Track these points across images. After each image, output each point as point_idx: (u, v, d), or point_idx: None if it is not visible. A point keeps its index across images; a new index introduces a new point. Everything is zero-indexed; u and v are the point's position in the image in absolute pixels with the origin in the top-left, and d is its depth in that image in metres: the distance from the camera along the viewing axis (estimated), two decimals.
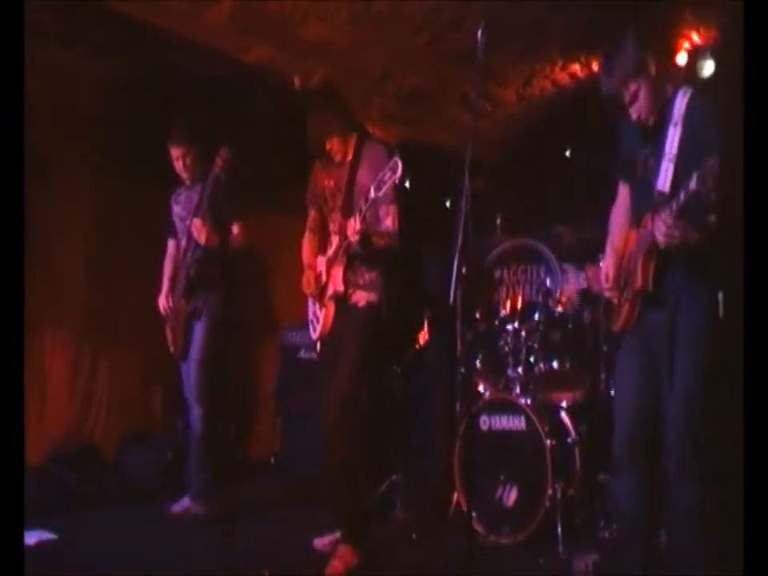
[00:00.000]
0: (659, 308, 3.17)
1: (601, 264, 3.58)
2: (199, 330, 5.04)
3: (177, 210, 5.27)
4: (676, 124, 3.14)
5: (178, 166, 5.17)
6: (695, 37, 6.24)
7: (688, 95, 3.17)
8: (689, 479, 3.07)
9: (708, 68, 6.12)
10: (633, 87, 3.14)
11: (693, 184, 2.78)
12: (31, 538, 4.53)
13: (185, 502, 5.03)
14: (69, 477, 5.71)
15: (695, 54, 6.16)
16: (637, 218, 3.32)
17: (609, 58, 3.19)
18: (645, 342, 3.26)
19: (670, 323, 3.15)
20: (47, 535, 4.64)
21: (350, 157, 4.27)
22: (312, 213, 4.50)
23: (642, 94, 3.16)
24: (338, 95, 4.47)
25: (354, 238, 3.94)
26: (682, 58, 6.22)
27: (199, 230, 4.93)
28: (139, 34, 5.61)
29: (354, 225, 3.92)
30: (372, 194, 3.87)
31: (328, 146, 4.24)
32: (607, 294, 3.43)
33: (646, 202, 3.22)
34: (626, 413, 3.28)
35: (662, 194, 3.10)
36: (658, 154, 3.18)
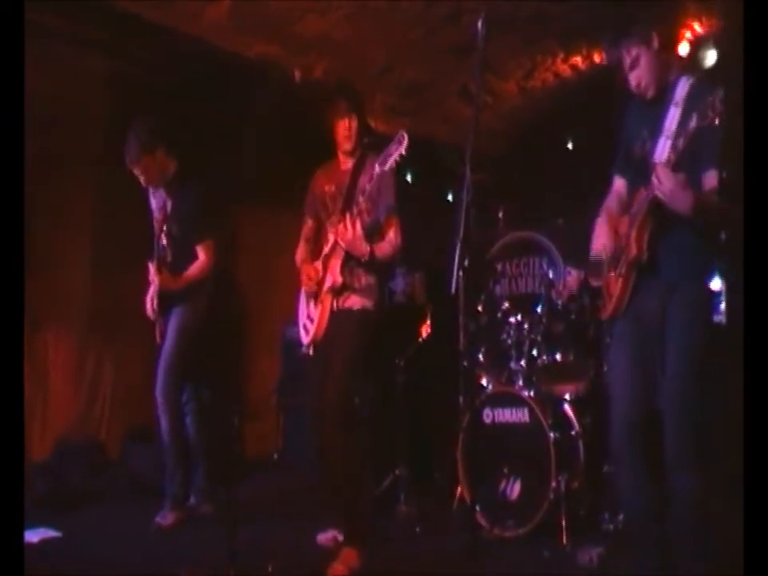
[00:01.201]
0: (652, 286, 3.17)
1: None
2: (168, 339, 4.97)
3: (152, 205, 5.14)
4: (677, 104, 3.17)
5: (143, 180, 4.99)
6: (697, 27, 6.22)
7: (691, 81, 3.20)
8: (686, 467, 3.06)
9: (710, 58, 6.10)
10: (634, 52, 3.18)
11: (693, 122, 2.81)
12: (35, 535, 4.54)
13: (167, 514, 4.94)
14: (74, 473, 5.73)
15: (697, 44, 6.14)
16: (629, 204, 3.34)
17: (612, 29, 3.26)
18: (636, 328, 3.26)
19: (662, 301, 3.16)
20: (51, 533, 4.64)
21: (355, 158, 4.25)
22: (309, 222, 4.42)
23: (643, 62, 3.19)
24: (349, 83, 4.56)
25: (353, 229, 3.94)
26: (684, 49, 6.20)
27: (153, 276, 4.93)
28: (140, 32, 5.62)
29: (348, 225, 3.93)
30: (377, 168, 3.87)
31: (340, 129, 4.21)
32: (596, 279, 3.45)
33: (640, 180, 3.24)
34: (623, 404, 3.28)
35: (654, 163, 3.11)
36: (657, 133, 3.21)
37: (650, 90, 3.25)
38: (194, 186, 4.98)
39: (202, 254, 4.95)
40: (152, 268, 4.96)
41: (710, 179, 3.08)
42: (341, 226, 3.97)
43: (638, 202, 3.19)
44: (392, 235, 4.15)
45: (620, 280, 3.26)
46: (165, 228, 4.94)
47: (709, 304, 3.31)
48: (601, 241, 3.40)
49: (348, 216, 3.98)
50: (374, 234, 4.12)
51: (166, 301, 4.99)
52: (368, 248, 4.02)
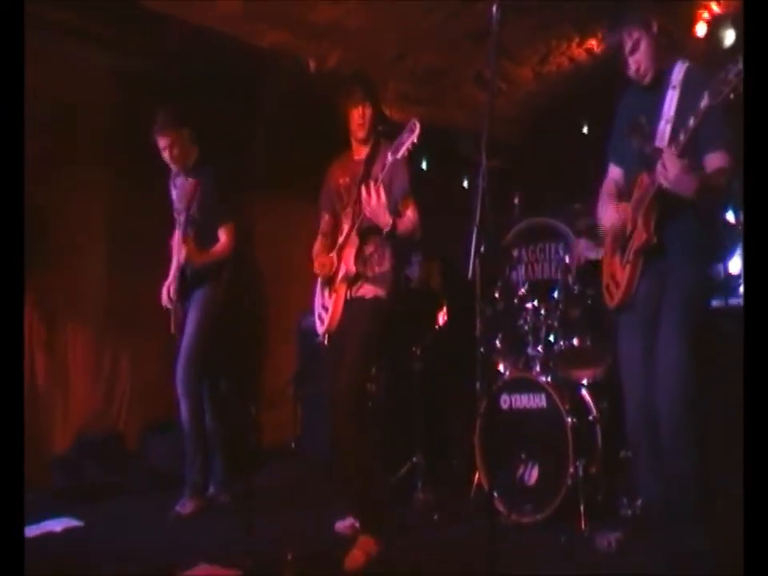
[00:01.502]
0: (657, 270, 3.17)
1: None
2: (189, 323, 5.00)
3: (174, 196, 5.19)
4: (674, 87, 3.19)
5: (166, 156, 5.04)
6: (715, 7, 6.17)
7: (686, 64, 3.22)
8: (683, 449, 3.06)
9: (729, 37, 6.04)
10: (635, 35, 3.19)
11: (704, 101, 2.79)
12: (58, 525, 4.61)
13: (187, 503, 4.95)
14: (93, 465, 5.76)
15: (716, 23, 6.09)
16: (628, 191, 3.33)
17: (614, 15, 3.29)
18: (642, 315, 3.25)
19: (663, 283, 3.15)
20: (74, 522, 4.69)
21: (369, 147, 4.24)
22: (325, 217, 4.43)
23: (643, 46, 3.21)
24: (363, 71, 4.57)
25: (372, 207, 3.91)
26: (701, 29, 6.15)
27: (179, 248, 4.94)
28: (150, 25, 5.63)
29: (372, 192, 3.89)
30: (389, 157, 3.86)
31: (355, 117, 4.20)
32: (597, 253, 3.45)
33: (640, 165, 3.24)
34: (636, 394, 3.27)
35: (657, 149, 3.09)
36: (656, 118, 3.21)
37: (649, 75, 3.26)
38: (214, 171, 5.02)
39: (223, 236, 4.99)
40: (176, 240, 4.98)
41: (715, 160, 3.06)
42: (365, 195, 3.93)
43: (641, 188, 3.18)
44: (410, 213, 4.12)
45: (628, 267, 3.25)
46: (188, 213, 4.95)
47: (707, 286, 3.31)
48: (607, 214, 3.41)
49: (372, 185, 3.94)
50: (392, 212, 4.08)
51: (186, 285, 5.02)
52: (390, 219, 3.97)
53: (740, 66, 2.64)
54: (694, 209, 3.06)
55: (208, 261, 4.98)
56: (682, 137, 2.93)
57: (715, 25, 6.06)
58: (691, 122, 2.88)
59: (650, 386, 3.18)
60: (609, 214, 3.40)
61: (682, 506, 3.13)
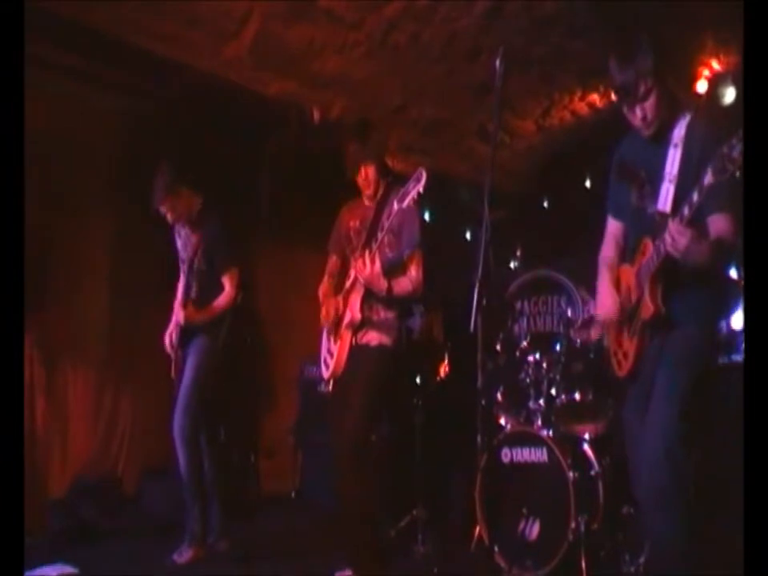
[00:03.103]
0: (663, 333, 3.13)
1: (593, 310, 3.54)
2: (187, 372, 4.98)
3: (179, 245, 5.20)
4: (676, 145, 3.13)
5: (169, 218, 5.07)
6: (715, 64, 6.23)
7: (687, 119, 3.17)
8: (664, 508, 3.02)
9: (729, 95, 6.09)
10: (649, 83, 3.07)
11: (708, 178, 2.71)
12: (53, 570, 4.54)
13: (185, 551, 4.90)
14: (90, 509, 5.72)
15: (716, 81, 6.14)
16: (631, 250, 3.30)
17: (627, 50, 3.12)
18: (644, 379, 3.21)
19: (661, 345, 3.13)
20: (68, 569, 4.62)
21: (378, 196, 4.27)
22: (333, 258, 4.47)
23: (654, 96, 3.10)
24: (372, 128, 4.53)
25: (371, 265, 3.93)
26: (702, 86, 6.21)
27: (177, 311, 4.95)
28: (156, 70, 5.69)
29: (367, 260, 3.93)
30: (395, 206, 3.86)
31: (361, 175, 4.25)
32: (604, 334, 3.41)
33: (642, 227, 3.20)
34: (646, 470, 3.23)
35: (662, 214, 3.07)
36: (657, 177, 3.16)
37: (653, 127, 3.18)
38: (218, 217, 5.03)
39: (227, 284, 5.00)
40: (177, 304, 5.00)
41: (718, 222, 3.00)
42: (359, 261, 3.98)
43: (645, 253, 3.13)
44: (413, 271, 4.15)
45: (635, 338, 3.20)
46: (192, 264, 4.97)
47: (708, 344, 3.23)
48: (606, 305, 3.36)
49: (367, 252, 3.99)
50: (395, 269, 4.12)
51: (187, 334, 5.01)
52: (386, 284, 4.02)
53: (740, 145, 2.59)
54: (701, 273, 3.04)
55: (209, 317, 4.96)
56: (686, 211, 2.86)
57: (716, 82, 6.11)
58: (695, 197, 2.81)
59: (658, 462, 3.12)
60: (607, 305, 3.36)
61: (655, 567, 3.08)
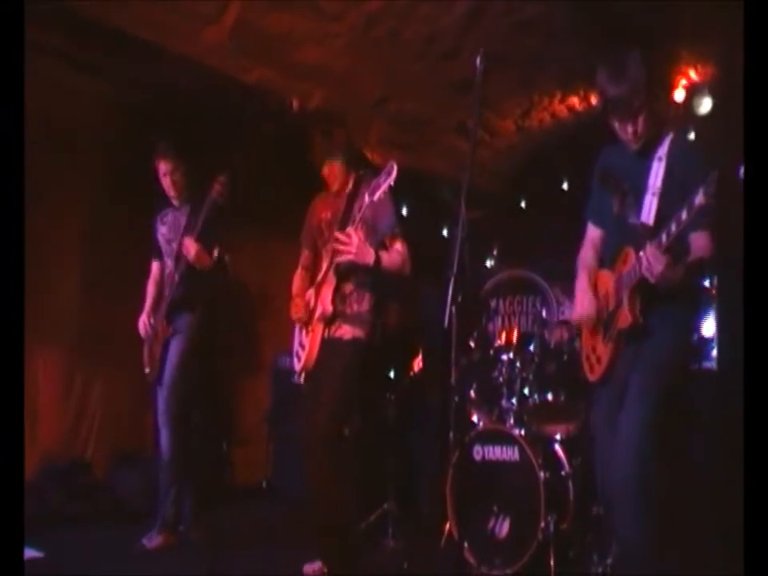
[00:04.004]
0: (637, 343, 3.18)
1: (571, 311, 3.58)
2: (174, 351, 4.99)
3: (163, 230, 5.23)
4: (660, 159, 3.18)
5: (165, 182, 5.11)
6: (692, 74, 6.28)
7: (671, 135, 3.23)
8: (631, 511, 3.07)
9: (705, 105, 6.14)
10: (642, 98, 3.11)
11: (699, 198, 2.73)
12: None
13: (154, 537, 4.93)
14: (60, 493, 5.70)
15: (693, 92, 6.19)
16: (610, 256, 3.34)
17: (620, 64, 3.13)
18: (615, 384, 3.26)
19: (635, 353, 3.17)
20: (33, 553, 4.60)
21: (348, 189, 4.27)
22: (305, 252, 4.48)
23: (645, 113, 3.14)
24: (341, 121, 4.51)
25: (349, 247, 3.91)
26: (679, 95, 6.25)
27: (189, 249, 4.90)
28: (140, 55, 5.64)
29: (350, 234, 3.90)
30: (366, 199, 3.86)
31: (326, 171, 4.25)
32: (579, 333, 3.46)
33: (623, 236, 3.25)
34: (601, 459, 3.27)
35: (645, 226, 3.11)
36: (640, 189, 3.20)
37: (641, 142, 3.23)
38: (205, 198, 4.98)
39: (225, 255, 5.01)
40: (188, 240, 4.91)
41: (699, 239, 3.07)
42: (343, 236, 3.93)
43: (626, 264, 3.18)
44: (399, 246, 4.13)
45: (610, 344, 3.26)
46: (181, 243, 4.97)
47: (680, 352, 3.30)
48: (583, 305, 3.42)
49: (350, 227, 3.95)
50: (379, 248, 4.08)
51: (173, 312, 5.01)
52: (374, 255, 3.96)
53: (715, 175, 2.65)
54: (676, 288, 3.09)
55: (211, 266, 4.94)
56: (673, 228, 2.90)
57: (692, 92, 6.15)
58: (684, 215, 2.84)
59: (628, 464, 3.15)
60: (585, 305, 3.41)
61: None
